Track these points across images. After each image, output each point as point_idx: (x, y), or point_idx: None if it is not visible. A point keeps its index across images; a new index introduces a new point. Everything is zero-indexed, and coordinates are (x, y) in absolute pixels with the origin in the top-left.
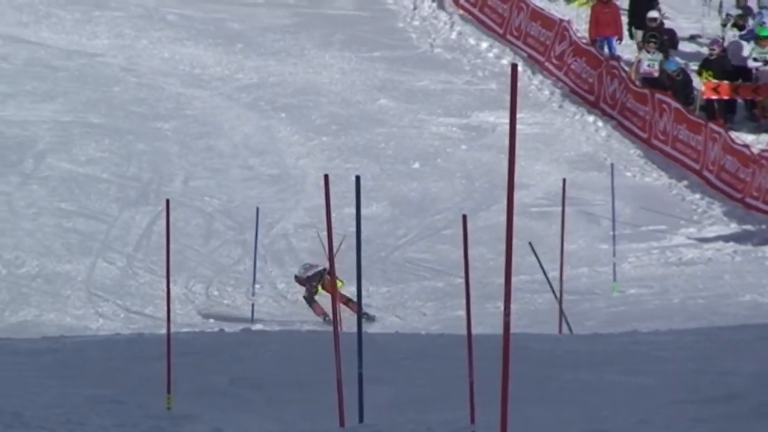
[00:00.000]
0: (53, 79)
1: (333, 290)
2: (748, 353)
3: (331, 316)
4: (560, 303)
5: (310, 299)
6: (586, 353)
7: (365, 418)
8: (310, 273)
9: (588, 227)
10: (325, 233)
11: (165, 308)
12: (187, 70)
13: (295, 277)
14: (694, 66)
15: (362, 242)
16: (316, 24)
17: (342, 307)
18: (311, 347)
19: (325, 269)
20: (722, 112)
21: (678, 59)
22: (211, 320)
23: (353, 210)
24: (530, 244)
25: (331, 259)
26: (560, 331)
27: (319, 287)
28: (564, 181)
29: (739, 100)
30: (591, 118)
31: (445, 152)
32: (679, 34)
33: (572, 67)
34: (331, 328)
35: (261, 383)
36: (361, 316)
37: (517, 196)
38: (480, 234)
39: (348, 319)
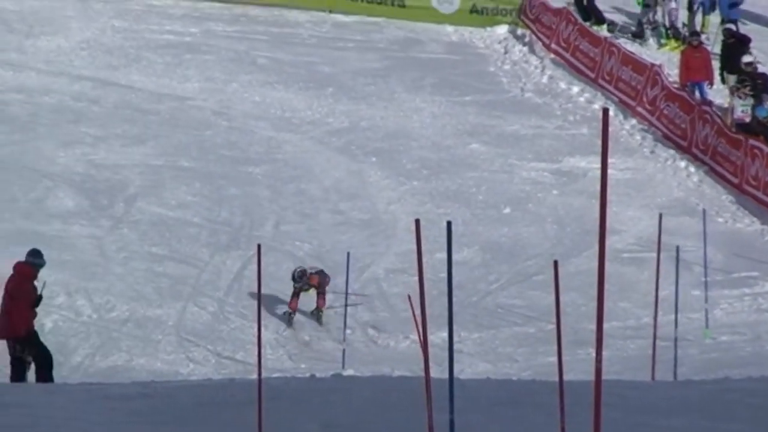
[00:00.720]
0: (144, 122)
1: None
2: None
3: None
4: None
5: (297, 292)
6: (678, 400)
7: None
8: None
9: (680, 273)
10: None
11: (256, 353)
12: (277, 114)
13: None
14: None
15: (453, 287)
16: (407, 68)
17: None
18: (402, 393)
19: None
20: None
21: None
22: (303, 365)
23: (444, 255)
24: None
25: (422, 305)
26: (653, 377)
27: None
28: (660, 216)
29: None
30: (683, 164)
31: (536, 197)
32: None
33: (665, 112)
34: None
35: (352, 429)
36: (319, 312)
37: (609, 241)
38: (571, 280)
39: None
